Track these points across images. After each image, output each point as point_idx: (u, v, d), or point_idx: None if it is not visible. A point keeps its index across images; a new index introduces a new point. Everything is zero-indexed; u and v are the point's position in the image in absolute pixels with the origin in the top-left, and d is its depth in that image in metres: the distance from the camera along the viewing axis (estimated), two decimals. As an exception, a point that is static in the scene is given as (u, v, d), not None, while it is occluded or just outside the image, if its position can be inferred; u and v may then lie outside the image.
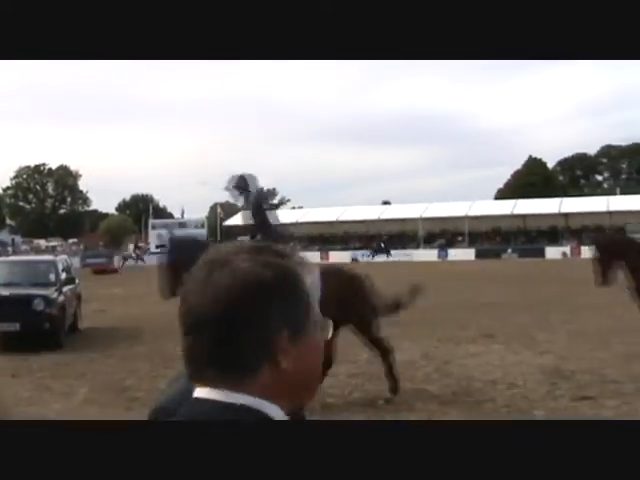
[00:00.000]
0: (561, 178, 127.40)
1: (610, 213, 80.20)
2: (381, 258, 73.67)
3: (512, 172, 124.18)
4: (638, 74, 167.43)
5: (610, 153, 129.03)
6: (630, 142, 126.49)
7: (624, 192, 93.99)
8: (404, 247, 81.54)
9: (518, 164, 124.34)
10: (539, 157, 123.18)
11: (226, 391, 1.42)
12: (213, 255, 1.52)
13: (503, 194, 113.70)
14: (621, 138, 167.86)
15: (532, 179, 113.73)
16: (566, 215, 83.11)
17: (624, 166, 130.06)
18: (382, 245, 78.25)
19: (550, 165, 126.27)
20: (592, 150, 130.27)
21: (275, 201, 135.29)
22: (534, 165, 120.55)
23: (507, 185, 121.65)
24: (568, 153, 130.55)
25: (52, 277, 18.43)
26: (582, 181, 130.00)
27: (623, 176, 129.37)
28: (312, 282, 1.54)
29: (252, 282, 1.44)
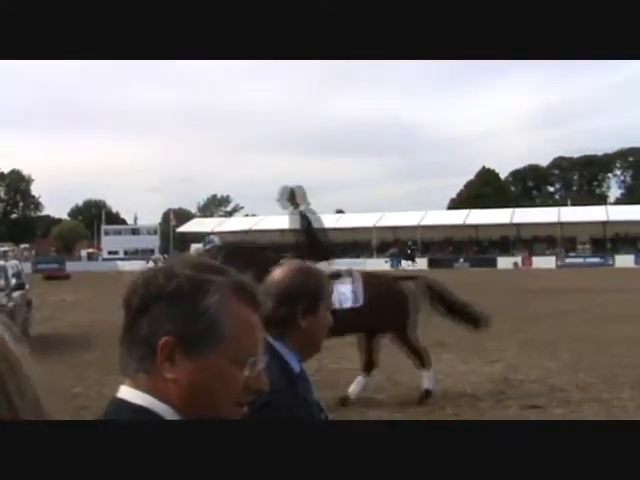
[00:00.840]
0: (513, 189, 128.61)
1: (561, 224, 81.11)
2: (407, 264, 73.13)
3: (465, 182, 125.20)
4: (590, 87, 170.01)
5: (562, 165, 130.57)
6: (581, 154, 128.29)
7: (575, 203, 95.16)
8: (357, 256, 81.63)
9: (471, 174, 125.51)
10: (492, 168, 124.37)
11: (129, 388, 1.52)
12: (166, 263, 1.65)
13: (456, 204, 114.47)
14: (573, 150, 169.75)
15: (485, 189, 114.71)
16: (518, 225, 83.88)
17: (575, 178, 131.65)
18: (409, 251, 76.92)
19: (503, 176, 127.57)
20: (544, 162, 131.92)
21: (228, 208, 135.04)
22: (487, 176, 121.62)
23: (460, 195, 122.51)
24: (521, 164, 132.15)
25: (1, 282, 18.15)
26: (534, 192, 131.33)
27: (574, 187, 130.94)
28: (239, 311, 1.56)
29: (150, 284, 1.56)
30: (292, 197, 12.22)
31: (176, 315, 1.50)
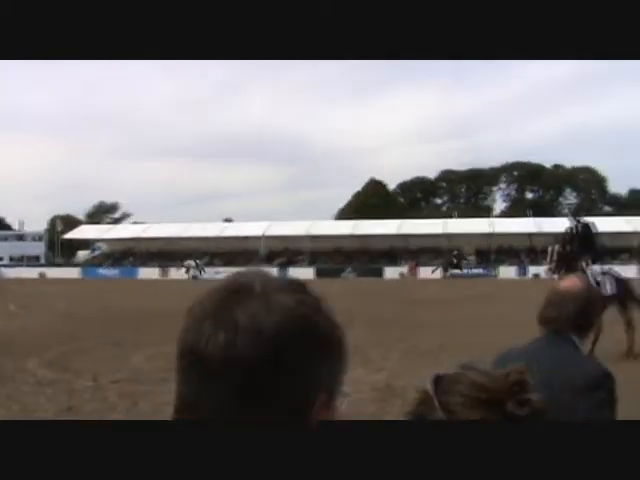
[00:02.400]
0: (402, 200, 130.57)
1: (447, 235, 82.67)
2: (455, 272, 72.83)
3: (353, 193, 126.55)
4: (478, 102, 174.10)
5: (449, 178, 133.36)
6: (468, 167, 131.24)
7: (461, 215, 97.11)
8: (245, 265, 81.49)
9: (359, 185, 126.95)
10: (380, 179, 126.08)
11: None
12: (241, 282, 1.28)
13: (344, 215, 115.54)
14: (460, 163, 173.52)
15: (373, 200, 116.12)
16: (405, 236, 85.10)
17: (462, 190, 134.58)
18: (454, 260, 75.96)
19: (391, 187, 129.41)
20: (432, 174, 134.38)
21: (117, 215, 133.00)
22: (375, 187, 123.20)
23: (348, 205, 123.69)
24: (409, 176, 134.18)
25: None
26: (422, 204, 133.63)
27: (461, 200, 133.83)
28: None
29: (302, 325, 1.24)
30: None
31: (327, 363, 1.33)
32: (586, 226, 16.84)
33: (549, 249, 18.17)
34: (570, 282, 3.69)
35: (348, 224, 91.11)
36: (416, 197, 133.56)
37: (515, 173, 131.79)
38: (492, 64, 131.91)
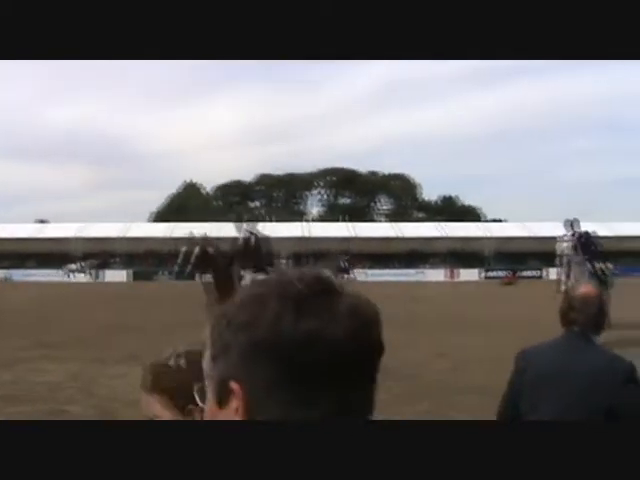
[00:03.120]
0: (218, 203, 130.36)
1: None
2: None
3: (169, 195, 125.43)
4: (295, 108, 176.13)
5: (265, 181, 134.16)
6: (285, 172, 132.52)
7: (277, 219, 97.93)
8: (59, 267, 79.28)
9: (175, 188, 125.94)
10: (196, 182, 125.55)
11: None
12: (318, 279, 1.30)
13: (160, 217, 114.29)
14: (277, 168, 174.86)
15: (189, 203, 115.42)
16: (221, 239, 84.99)
17: (278, 195, 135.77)
18: (343, 265, 73.84)
19: (207, 190, 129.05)
20: (248, 178, 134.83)
21: None
22: (190, 189, 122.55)
23: (164, 208, 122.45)
24: (225, 179, 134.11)
25: None
26: (238, 207, 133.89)
27: (277, 204, 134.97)
28: None
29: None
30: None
31: None
32: (256, 238, 17.12)
33: (182, 250, 18.86)
34: (587, 288, 4.37)
35: (163, 226, 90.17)
36: (232, 200, 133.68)
37: (331, 178, 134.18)
38: (312, 70, 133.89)
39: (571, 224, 19.97)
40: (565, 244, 18.65)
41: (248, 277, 15.39)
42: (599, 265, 18.98)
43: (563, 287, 17.92)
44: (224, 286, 14.92)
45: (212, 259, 15.57)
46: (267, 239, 16.77)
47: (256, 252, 16.09)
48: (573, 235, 19.60)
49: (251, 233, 16.67)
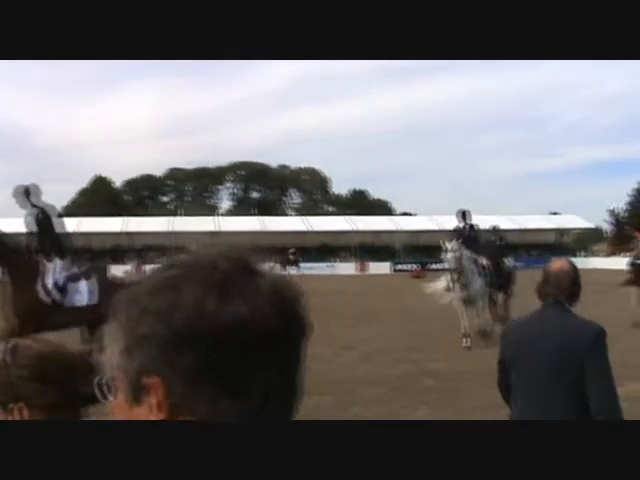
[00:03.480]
0: (128, 198, 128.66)
1: (173, 233, 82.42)
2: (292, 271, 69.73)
3: (78, 190, 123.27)
4: (208, 100, 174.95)
5: (176, 175, 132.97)
6: (195, 166, 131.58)
7: (188, 213, 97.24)
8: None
9: (85, 182, 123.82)
10: (106, 176, 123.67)
11: None
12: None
13: (69, 212, 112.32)
14: (187, 162, 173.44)
15: (98, 198, 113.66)
16: (131, 234, 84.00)
17: (189, 188, 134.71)
18: (291, 258, 72.47)
19: (117, 185, 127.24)
20: (159, 172, 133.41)
21: None
22: (100, 184, 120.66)
23: (73, 203, 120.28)
24: (135, 174, 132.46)
25: None
26: (148, 202, 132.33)
27: (188, 198, 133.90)
28: None
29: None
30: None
31: None
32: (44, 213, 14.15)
33: None
34: (560, 263, 4.78)
35: (72, 221, 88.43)
36: (143, 195, 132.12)
37: (241, 172, 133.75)
38: (222, 63, 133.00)
39: (463, 215, 19.75)
40: (450, 255, 17.83)
41: (58, 266, 13.24)
42: (482, 262, 18.59)
43: (450, 285, 17.99)
44: (23, 285, 12.68)
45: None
46: (61, 222, 14.33)
47: (52, 232, 13.66)
48: (462, 232, 19.34)
49: (39, 209, 13.71)
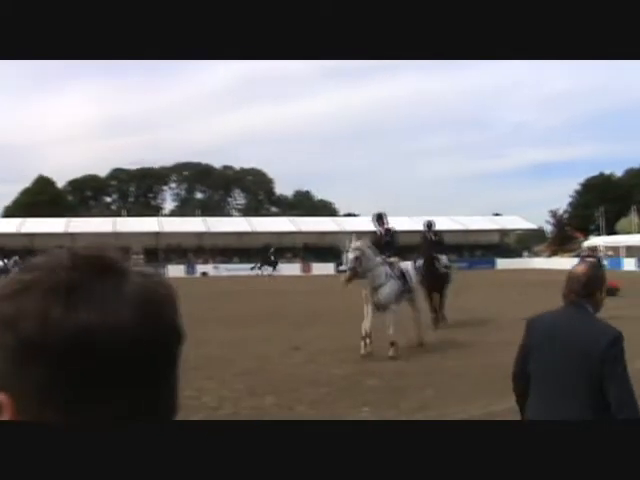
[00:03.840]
0: (71, 198, 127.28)
1: (117, 234, 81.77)
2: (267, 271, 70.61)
3: (21, 190, 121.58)
4: (148, 101, 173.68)
5: (119, 176, 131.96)
6: (139, 166, 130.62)
7: (131, 214, 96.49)
8: None
9: (27, 182, 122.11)
10: (49, 176, 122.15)
11: None
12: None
13: (11, 212, 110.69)
14: (131, 162, 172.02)
15: (41, 198, 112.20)
16: (73, 235, 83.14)
17: (132, 189, 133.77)
18: (271, 257, 72.87)
19: (60, 185, 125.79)
20: (103, 172, 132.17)
21: None
22: (43, 184, 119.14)
23: (15, 203, 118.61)
24: (79, 174, 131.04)
25: None
26: (92, 202, 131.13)
27: (131, 198, 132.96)
28: None
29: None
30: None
31: None
32: None
33: None
34: (579, 265, 4.92)
35: (14, 222, 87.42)
36: (86, 195, 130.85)
37: (185, 173, 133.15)
38: (165, 64, 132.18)
39: (378, 218, 19.02)
40: (350, 254, 16.68)
41: None
42: (399, 266, 17.58)
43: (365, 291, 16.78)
44: None
45: None
46: None
47: None
48: (379, 238, 18.59)
49: None
